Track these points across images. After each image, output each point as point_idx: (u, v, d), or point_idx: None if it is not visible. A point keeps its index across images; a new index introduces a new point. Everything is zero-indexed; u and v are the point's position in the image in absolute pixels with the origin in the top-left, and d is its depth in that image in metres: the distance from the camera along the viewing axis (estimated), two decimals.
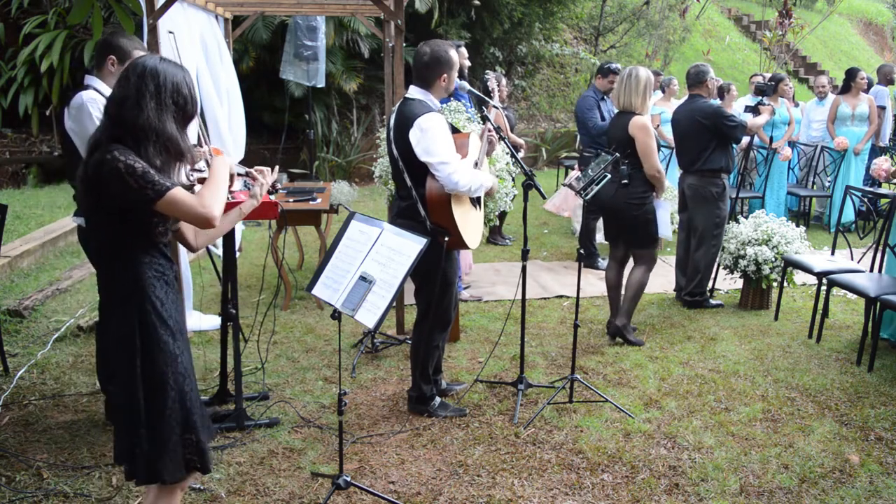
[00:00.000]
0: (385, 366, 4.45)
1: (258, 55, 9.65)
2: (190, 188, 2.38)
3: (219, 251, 3.99)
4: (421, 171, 3.44)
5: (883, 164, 5.38)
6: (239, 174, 2.72)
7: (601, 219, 6.65)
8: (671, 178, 7.20)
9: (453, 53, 3.55)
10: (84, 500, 3.01)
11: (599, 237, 7.57)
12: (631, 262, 4.91)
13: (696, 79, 5.49)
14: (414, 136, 3.37)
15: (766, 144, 8.05)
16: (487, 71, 4.24)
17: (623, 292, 4.87)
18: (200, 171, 2.60)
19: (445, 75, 3.52)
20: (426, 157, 3.37)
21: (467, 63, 5.64)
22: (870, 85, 8.88)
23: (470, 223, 3.62)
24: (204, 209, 2.26)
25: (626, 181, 4.51)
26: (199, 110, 2.34)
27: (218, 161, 2.43)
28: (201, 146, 2.58)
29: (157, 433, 2.25)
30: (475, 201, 3.74)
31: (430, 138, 3.35)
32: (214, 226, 2.31)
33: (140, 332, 2.25)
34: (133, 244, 2.28)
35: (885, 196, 5.79)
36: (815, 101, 8.95)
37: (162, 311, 2.28)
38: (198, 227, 2.35)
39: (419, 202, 3.48)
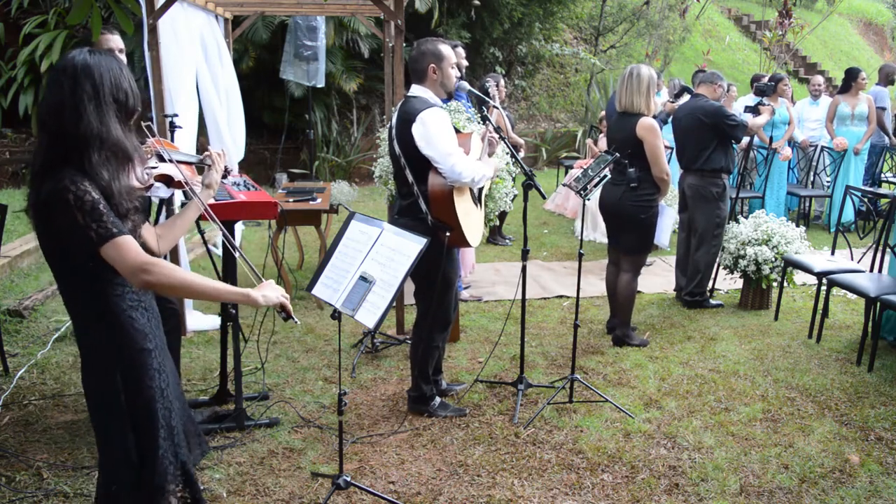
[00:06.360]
0: (385, 366, 4.45)
1: (258, 55, 9.64)
2: (147, 189, 2.21)
3: (219, 251, 3.99)
4: (423, 166, 3.45)
5: None
6: (190, 162, 2.54)
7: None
8: (671, 179, 7.20)
9: (442, 47, 3.58)
10: (84, 500, 3.01)
11: (597, 236, 7.58)
12: None
13: (707, 78, 5.53)
14: (417, 130, 3.39)
15: (766, 144, 8.05)
16: (489, 78, 4.24)
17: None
18: (154, 167, 2.40)
19: (433, 65, 3.53)
20: (428, 150, 3.38)
21: (465, 63, 5.63)
22: None
23: (471, 220, 3.63)
24: (148, 266, 1.94)
25: (634, 184, 4.49)
26: (140, 103, 2.10)
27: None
28: (147, 139, 2.44)
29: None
30: (476, 200, 3.75)
31: (433, 131, 3.37)
32: (145, 287, 2.02)
33: (125, 392, 2.04)
34: (100, 275, 2.00)
35: (885, 196, 5.78)
36: (809, 101, 8.94)
37: (147, 345, 2.07)
38: (131, 282, 2.02)
39: (420, 198, 3.49)
